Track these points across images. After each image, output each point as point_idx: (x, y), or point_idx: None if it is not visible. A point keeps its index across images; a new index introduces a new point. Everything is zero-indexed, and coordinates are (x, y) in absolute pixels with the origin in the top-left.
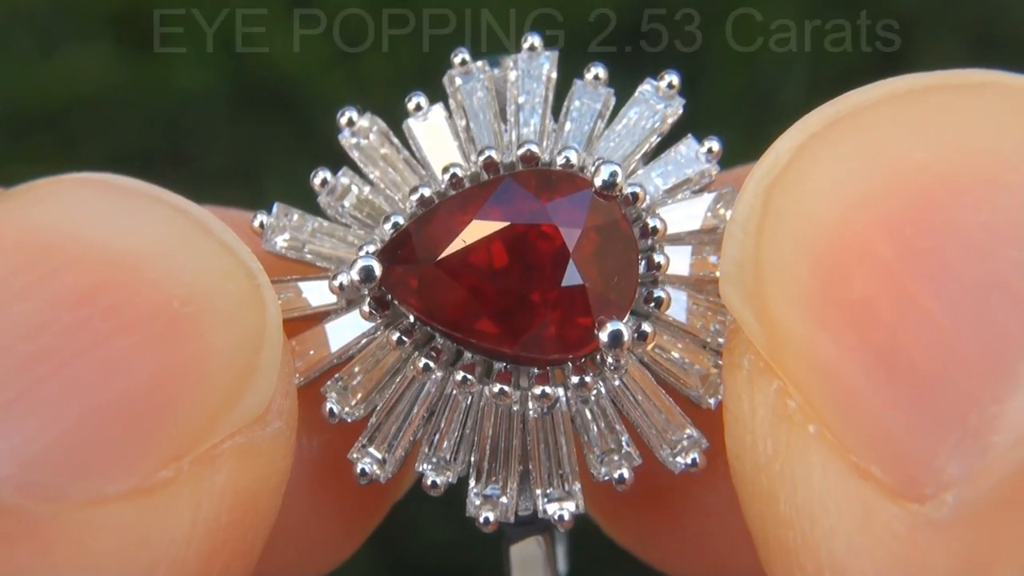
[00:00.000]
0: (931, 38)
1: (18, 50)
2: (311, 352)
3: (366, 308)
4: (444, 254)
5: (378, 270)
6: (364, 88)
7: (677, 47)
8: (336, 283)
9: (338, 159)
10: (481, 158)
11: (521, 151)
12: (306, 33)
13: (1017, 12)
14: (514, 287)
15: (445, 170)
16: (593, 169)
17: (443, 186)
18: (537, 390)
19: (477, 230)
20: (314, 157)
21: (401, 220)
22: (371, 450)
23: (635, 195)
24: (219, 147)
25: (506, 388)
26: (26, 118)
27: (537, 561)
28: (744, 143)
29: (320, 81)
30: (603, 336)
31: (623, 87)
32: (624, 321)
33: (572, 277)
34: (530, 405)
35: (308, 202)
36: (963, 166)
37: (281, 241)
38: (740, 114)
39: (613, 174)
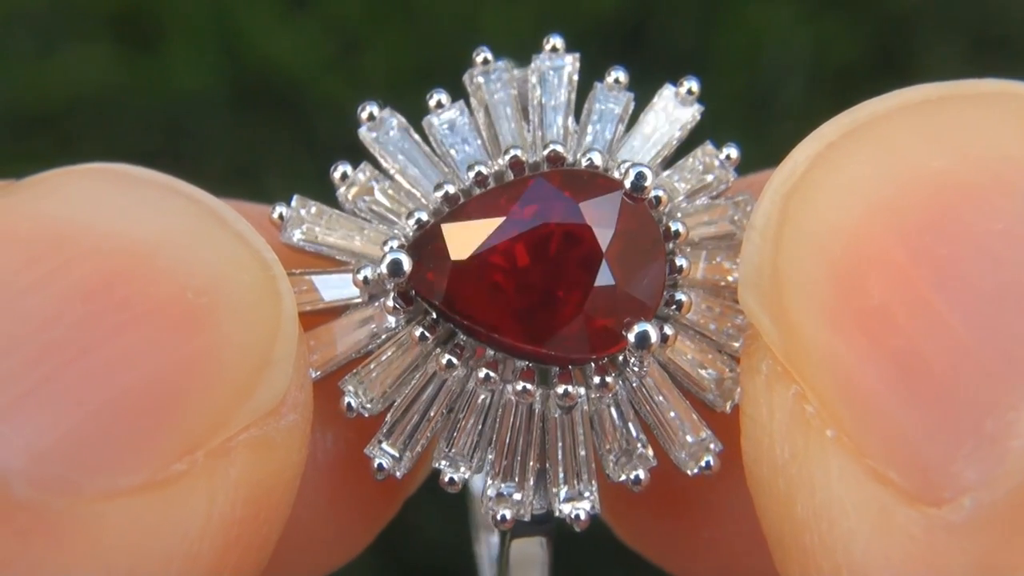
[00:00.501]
0: (931, 38)
1: (18, 50)
2: (328, 346)
3: (391, 303)
4: (473, 251)
5: (407, 265)
6: (364, 88)
7: (677, 48)
8: (360, 276)
9: (338, 159)
10: (507, 157)
11: (547, 151)
12: (306, 33)
13: (1017, 12)
14: (542, 286)
15: (470, 168)
16: (622, 171)
17: (468, 183)
18: (559, 389)
19: (507, 228)
20: (315, 157)
21: (425, 216)
22: (388, 446)
23: (659, 198)
24: (219, 147)
25: (529, 386)
26: (26, 118)
27: (536, 562)
28: (744, 144)
29: (320, 81)
30: (631, 337)
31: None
32: (651, 323)
33: (604, 277)
34: (550, 404)
35: None
36: (980, 174)
37: (299, 233)
38: (740, 115)
39: (642, 176)
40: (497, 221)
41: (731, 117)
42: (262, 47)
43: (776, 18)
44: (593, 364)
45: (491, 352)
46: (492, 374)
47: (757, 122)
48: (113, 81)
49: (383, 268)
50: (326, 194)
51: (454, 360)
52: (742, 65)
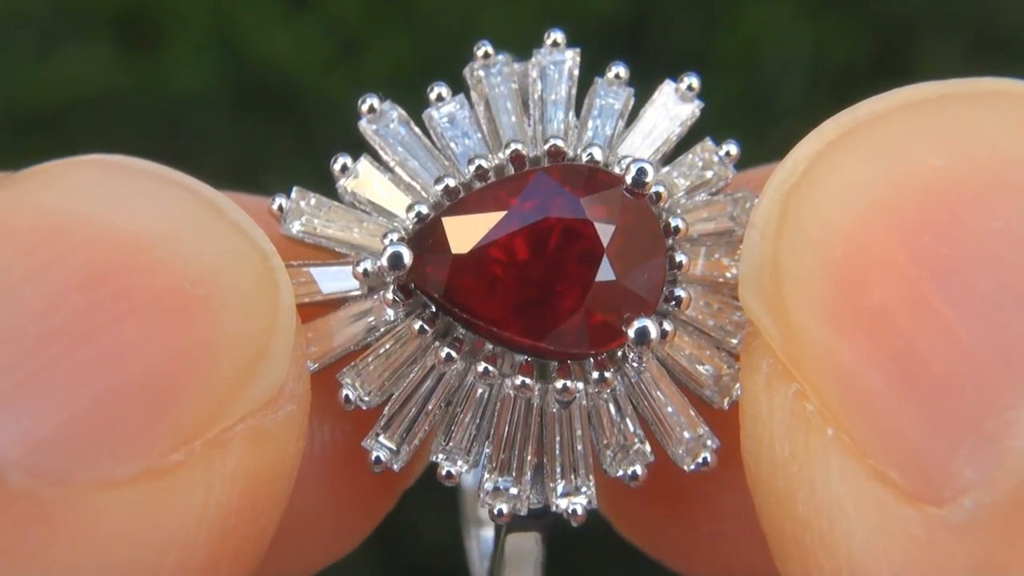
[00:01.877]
0: (931, 38)
1: (18, 50)
2: (326, 338)
3: (390, 296)
4: (474, 245)
5: (408, 258)
6: (364, 88)
7: (677, 47)
8: (360, 269)
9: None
10: (508, 151)
11: (548, 146)
12: (306, 33)
13: (1016, 12)
14: (542, 280)
15: (471, 161)
16: (624, 166)
17: (468, 177)
18: (558, 384)
19: (508, 222)
20: (314, 157)
21: (425, 209)
22: (385, 438)
23: (659, 194)
24: (219, 147)
25: (528, 381)
26: (26, 118)
27: (530, 557)
28: (744, 143)
29: (320, 81)
30: (631, 333)
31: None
32: (651, 319)
33: (606, 273)
34: (549, 399)
35: None
36: (980, 173)
37: (298, 225)
38: (740, 114)
39: (643, 172)
40: (498, 215)
41: (731, 117)
42: (262, 47)
43: (776, 18)
44: (592, 359)
45: (490, 346)
46: (491, 368)
47: (757, 122)
48: (113, 81)
49: (383, 261)
50: (325, 193)
51: (453, 353)
52: (742, 65)
